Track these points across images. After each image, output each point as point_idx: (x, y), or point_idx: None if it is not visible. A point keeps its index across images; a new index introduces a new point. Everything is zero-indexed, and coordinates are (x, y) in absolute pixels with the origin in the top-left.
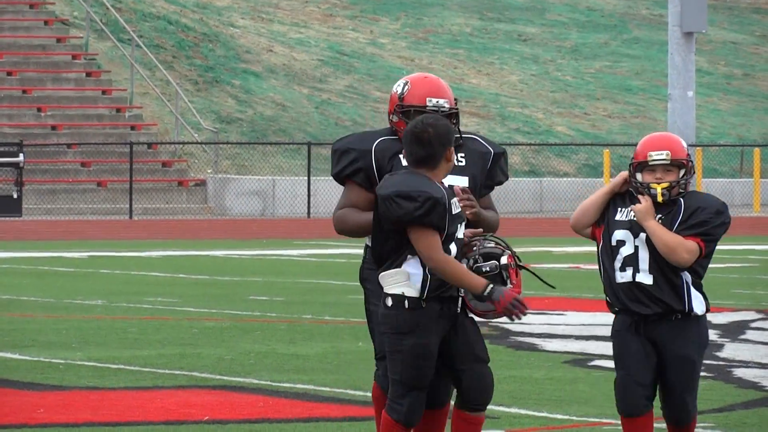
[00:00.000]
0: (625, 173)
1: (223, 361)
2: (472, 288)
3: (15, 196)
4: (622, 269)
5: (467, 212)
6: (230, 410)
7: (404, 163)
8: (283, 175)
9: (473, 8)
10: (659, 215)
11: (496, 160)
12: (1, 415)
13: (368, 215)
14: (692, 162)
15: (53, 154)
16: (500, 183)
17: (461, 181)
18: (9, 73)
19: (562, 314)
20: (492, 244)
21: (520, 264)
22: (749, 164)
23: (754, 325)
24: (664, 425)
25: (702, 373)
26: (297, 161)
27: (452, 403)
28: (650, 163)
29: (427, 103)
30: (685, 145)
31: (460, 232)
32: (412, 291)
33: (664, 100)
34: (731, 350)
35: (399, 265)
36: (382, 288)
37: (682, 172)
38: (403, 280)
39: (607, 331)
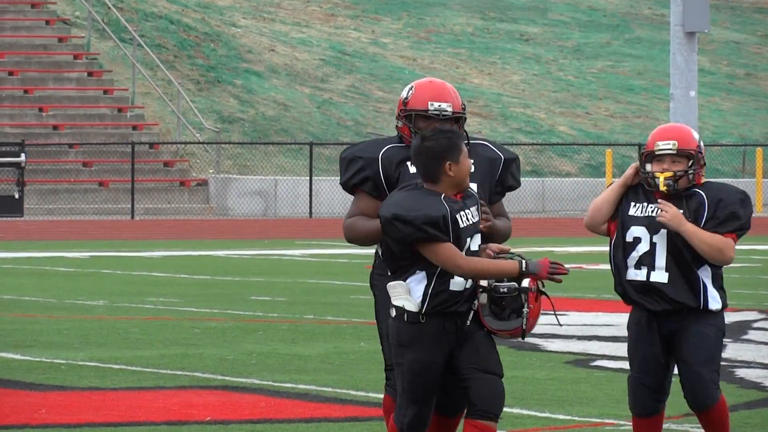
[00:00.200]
0: (635, 165)
1: (225, 361)
2: (509, 273)
3: (16, 196)
4: (637, 267)
5: (481, 225)
6: (232, 410)
7: (412, 170)
8: (285, 175)
9: (475, 8)
10: (681, 210)
11: (507, 165)
12: (3, 415)
13: (377, 223)
14: (701, 153)
15: (55, 154)
16: (512, 189)
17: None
18: (10, 73)
19: (564, 314)
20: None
21: (542, 290)
22: (751, 164)
23: (756, 325)
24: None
25: None
26: (299, 161)
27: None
28: (657, 153)
29: (429, 107)
30: (696, 136)
31: (475, 243)
32: (411, 305)
33: (666, 99)
34: (733, 350)
35: (404, 278)
36: (387, 297)
37: (691, 163)
38: (403, 293)
39: (608, 332)
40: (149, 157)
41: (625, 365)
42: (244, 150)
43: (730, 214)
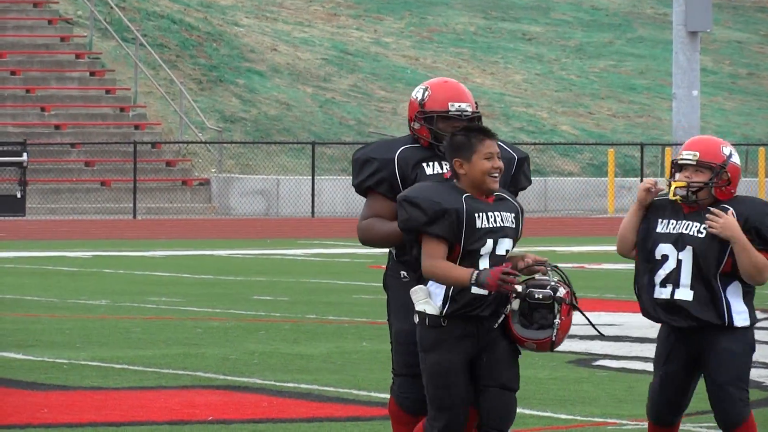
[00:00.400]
0: (644, 184)
1: (227, 360)
2: (461, 279)
3: (19, 195)
4: (663, 285)
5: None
6: (234, 410)
7: (428, 171)
8: (287, 175)
9: (477, 7)
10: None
11: (520, 165)
12: (5, 414)
13: (395, 224)
14: (724, 167)
15: (57, 154)
16: (524, 188)
17: None
18: (13, 73)
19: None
20: (556, 278)
21: (575, 305)
22: (754, 163)
23: (758, 324)
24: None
25: None
26: (301, 160)
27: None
28: (679, 162)
29: (450, 108)
30: (726, 151)
31: (501, 248)
32: (432, 309)
33: (669, 99)
34: None
35: (425, 282)
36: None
37: (712, 176)
38: (424, 297)
39: (611, 331)
40: (151, 157)
41: (627, 364)
42: (246, 149)
43: (763, 230)
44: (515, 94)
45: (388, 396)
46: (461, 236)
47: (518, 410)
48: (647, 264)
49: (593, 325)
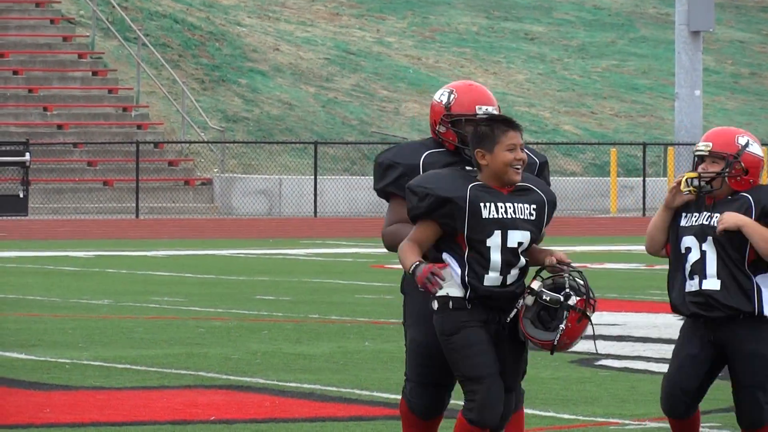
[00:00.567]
0: (674, 185)
1: (230, 360)
2: (405, 266)
3: (21, 195)
4: (691, 277)
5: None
6: (237, 410)
7: None
8: (290, 174)
9: (480, 7)
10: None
11: (541, 169)
12: (8, 414)
13: None
14: (737, 157)
15: (59, 153)
16: None
17: None
18: (15, 72)
19: None
20: (577, 282)
21: (587, 314)
22: None
23: None
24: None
25: None
26: (303, 160)
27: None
28: (695, 153)
29: (477, 111)
30: (741, 141)
31: (513, 240)
32: (456, 291)
33: (672, 99)
34: None
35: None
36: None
37: (725, 165)
38: (449, 280)
39: (613, 331)
40: (154, 157)
41: (630, 364)
42: (248, 149)
43: None
44: (518, 93)
45: (390, 396)
46: (464, 225)
47: None
48: (676, 259)
49: (594, 340)
